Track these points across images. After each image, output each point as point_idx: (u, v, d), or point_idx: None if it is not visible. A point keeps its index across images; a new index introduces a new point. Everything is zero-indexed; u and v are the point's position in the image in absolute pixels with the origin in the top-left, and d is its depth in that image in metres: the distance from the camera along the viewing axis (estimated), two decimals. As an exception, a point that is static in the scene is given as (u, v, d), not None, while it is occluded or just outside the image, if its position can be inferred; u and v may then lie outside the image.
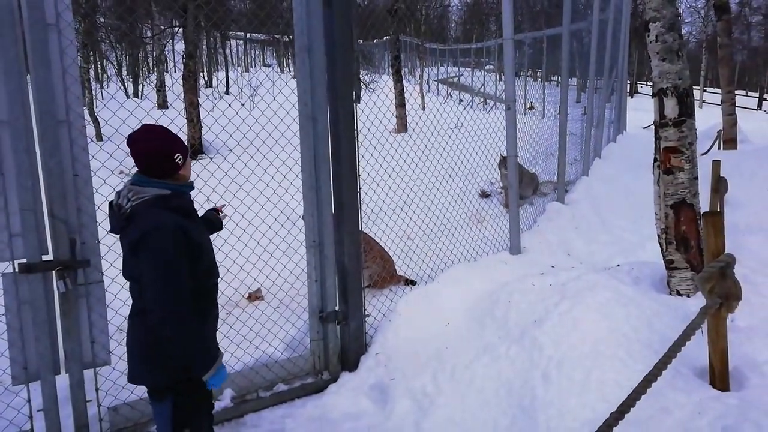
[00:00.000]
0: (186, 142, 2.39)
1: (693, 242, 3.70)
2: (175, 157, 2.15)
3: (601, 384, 2.76)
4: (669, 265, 3.76)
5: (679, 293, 3.68)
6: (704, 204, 4.13)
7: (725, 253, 2.58)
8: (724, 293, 2.55)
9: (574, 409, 2.73)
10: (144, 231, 2.01)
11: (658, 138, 3.81)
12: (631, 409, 2.12)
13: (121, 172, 6.48)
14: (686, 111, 3.73)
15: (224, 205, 2.87)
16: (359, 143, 3.67)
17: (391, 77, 14.06)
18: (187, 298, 2.03)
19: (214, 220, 2.66)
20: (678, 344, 2.40)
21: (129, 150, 2.12)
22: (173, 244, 2.01)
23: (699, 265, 3.64)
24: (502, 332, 3.45)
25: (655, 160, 3.83)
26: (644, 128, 16.08)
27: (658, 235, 3.84)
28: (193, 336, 2.03)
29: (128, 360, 2.19)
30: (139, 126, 2.17)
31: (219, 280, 2.40)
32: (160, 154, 2.12)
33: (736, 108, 11.18)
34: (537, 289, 3.70)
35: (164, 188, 2.12)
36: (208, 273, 2.23)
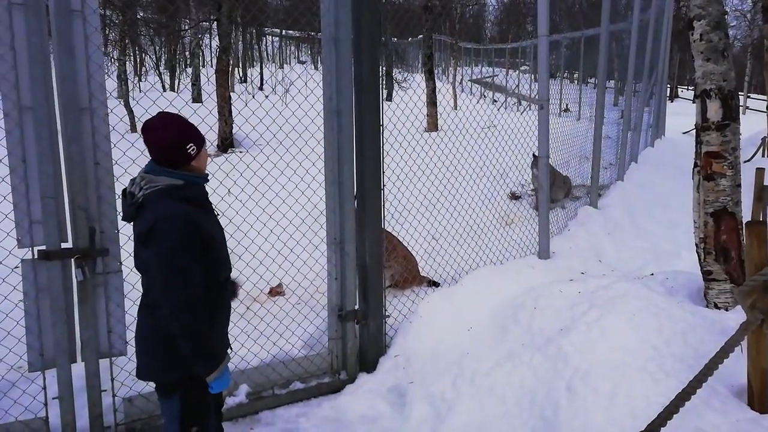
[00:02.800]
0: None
1: (734, 253, 3.50)
2: (188, 147, 2.08)
3: (630, 398, 2.61)
4: (707, 276, 3.56)
5: (716, 306, 3.48)
6: (746, 214, 3.91)
7: (769, 265, 2.41)
8: (766, 309, 2.37)
9: (599, 423, 2.59)
10: (153, 221, 1.96)
11: (699, 142, 3.61)
12: (662, 428, 1.99)
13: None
14: (730, 114, 3.53)
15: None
16: (386, 139, 3.59)
17: (424, 76, 13.94)
18: (197, 293, 1.97)
19: None
20: (715, 361, 2.25)
21: (142, 137, 2.07)
22: (183, 235, 1.95)
23: (739, 278, 3.44)
24: (526, 339, 3.32)
25: (696, 165, 3.64)
26: (684, 133, 15.58)
27: (696, 245, 3.65)
28: (199, 334, 1.97)
29: (136, 354, 2.15)
30: (155, 114, 2.12)
31: (238, 274, 2.34)
32: (172, 144, 2.06)
33: (783, 115, 10.73)
34: (564, 295, 3.56)
35: (177, 178, 2.06)
36: (220, 266, 2.16)
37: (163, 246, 1.94)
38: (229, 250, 2.30)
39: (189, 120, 2.17)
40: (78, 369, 2.86)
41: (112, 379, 2.93)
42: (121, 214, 2.15)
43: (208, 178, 2.23)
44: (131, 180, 2.09)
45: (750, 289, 2.38)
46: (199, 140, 2.15)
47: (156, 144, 2.06)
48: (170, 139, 2.06)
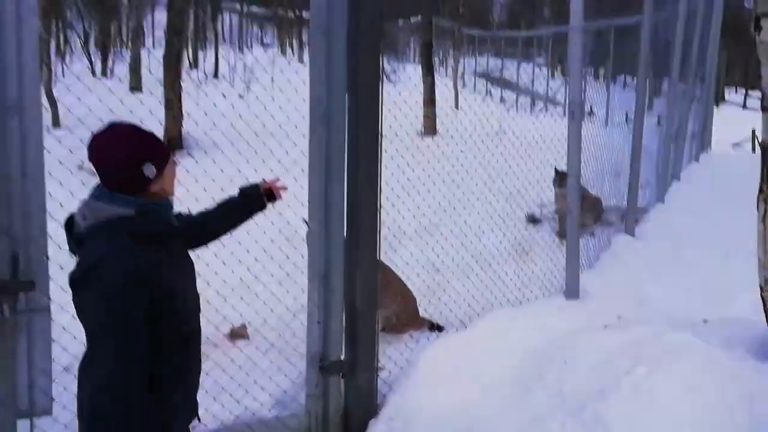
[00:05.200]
0: (162, 136, 2.24)
1: (806, 298, 3.56)
2: (144, 167, 2.00)
3: (686, 480, 2.63)
4: (774, 326, 3.61)
5: (786, 364, 3.53)
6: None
7: None
8: None
9: None
10: (87, 265, 1.90)
11: (766, 164, 3.68)
12: None
13: (80, 168, 6.49)
14: (803, 130, 3.62)
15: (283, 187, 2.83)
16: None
17: (419, 67, 14.10)
18: (138, 358, 1.91)
19: (251, 195, 2.66)
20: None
21: (89, 156, 2.01)
22: (124, 287, 1.88)
23: (812, 328, 3.49)
24: (555, 402, 3.33)
25: (761, 190, 3.70)
26: (735, 145, 15.92)
27: (761, 287, 3.70)
28: (135, 408, 1.90)
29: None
30: (105, 125, 2.04)
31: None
32: (123, 167, 1.98)
33: None
34: (601, 347, 3.58)
35: (129, 206, 1.99)
36: (182, 319, 2.09)
37: (98, 299, 1.87)
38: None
39: (146, 129, 2.09)
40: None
41: (34, 446, 2.86)
42: (66, 244, 2.10)
43: (172, 205, 2.15)
44: (79, 206, 2.04)
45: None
46: (161, 157, 2.04)
47: (102, 166, 1.99)
48: (121, 159, 1.98)
